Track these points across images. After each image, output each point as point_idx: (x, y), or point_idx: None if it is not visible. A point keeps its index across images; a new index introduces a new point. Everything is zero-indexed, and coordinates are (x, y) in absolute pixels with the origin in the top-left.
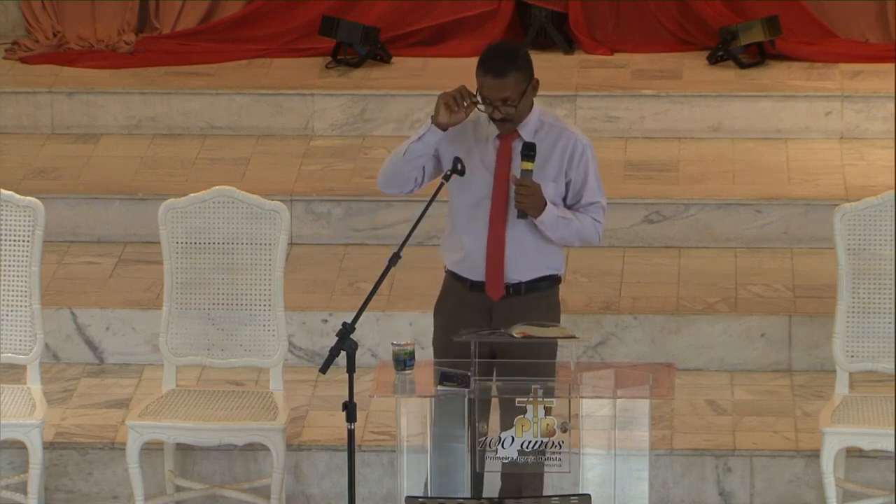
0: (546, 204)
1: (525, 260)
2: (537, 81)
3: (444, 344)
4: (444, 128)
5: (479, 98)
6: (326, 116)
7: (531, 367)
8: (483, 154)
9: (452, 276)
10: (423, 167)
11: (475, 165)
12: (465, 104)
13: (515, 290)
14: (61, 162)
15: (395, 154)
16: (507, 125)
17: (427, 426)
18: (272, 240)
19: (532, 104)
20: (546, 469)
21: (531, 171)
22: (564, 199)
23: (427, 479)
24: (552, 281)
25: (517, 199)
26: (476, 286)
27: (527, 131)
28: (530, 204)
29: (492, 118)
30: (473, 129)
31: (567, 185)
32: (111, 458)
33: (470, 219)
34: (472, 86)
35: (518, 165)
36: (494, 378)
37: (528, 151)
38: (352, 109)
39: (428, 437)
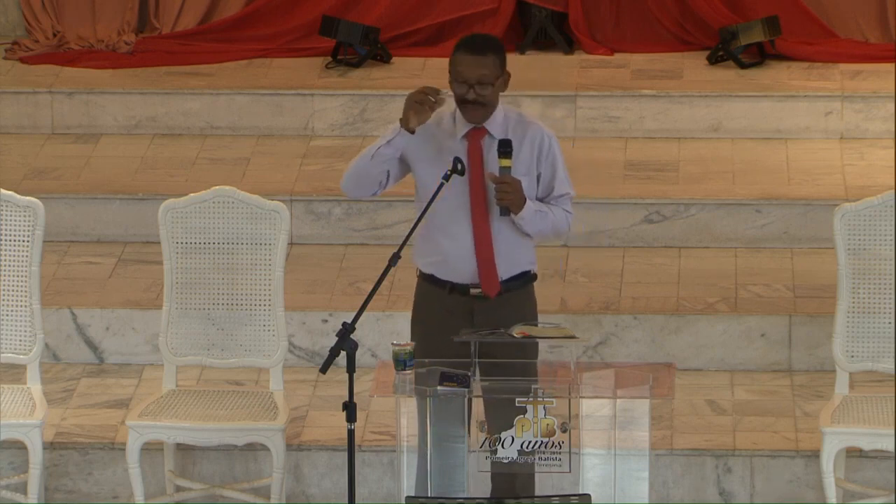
0: (526, 199)
1: (504, 257)
2: (509, 75)
3: (429, 355)
4: (412, 130)
5: (445, 94)
6: (326, 116)
7: (512, 367)
8: (451, 154)
9: (429, 281)
10: (388, 170)
11: (444, 167)
12: (433, 100)
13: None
14: (61, 162)
15: (362, 158)
16: (479, 111)
17: (427, 426)
18: (272, 240)
19: (498, 98)
20: (546, 469)
21: (509, 167)
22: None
23: (427, 478)
24: (528, 278)
25: (499, 196)
26: (456, 289)
27: (494, 127)
28: (513, 200)
29: (464, 101)
30: (436, 128)
31: (538, 178)
32: (111, 458)
33: (447, 221)
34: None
35: (489, 162)
36: (480, 379)
37: (505, 148)
38: (352, 109)
39: (428, 437)
